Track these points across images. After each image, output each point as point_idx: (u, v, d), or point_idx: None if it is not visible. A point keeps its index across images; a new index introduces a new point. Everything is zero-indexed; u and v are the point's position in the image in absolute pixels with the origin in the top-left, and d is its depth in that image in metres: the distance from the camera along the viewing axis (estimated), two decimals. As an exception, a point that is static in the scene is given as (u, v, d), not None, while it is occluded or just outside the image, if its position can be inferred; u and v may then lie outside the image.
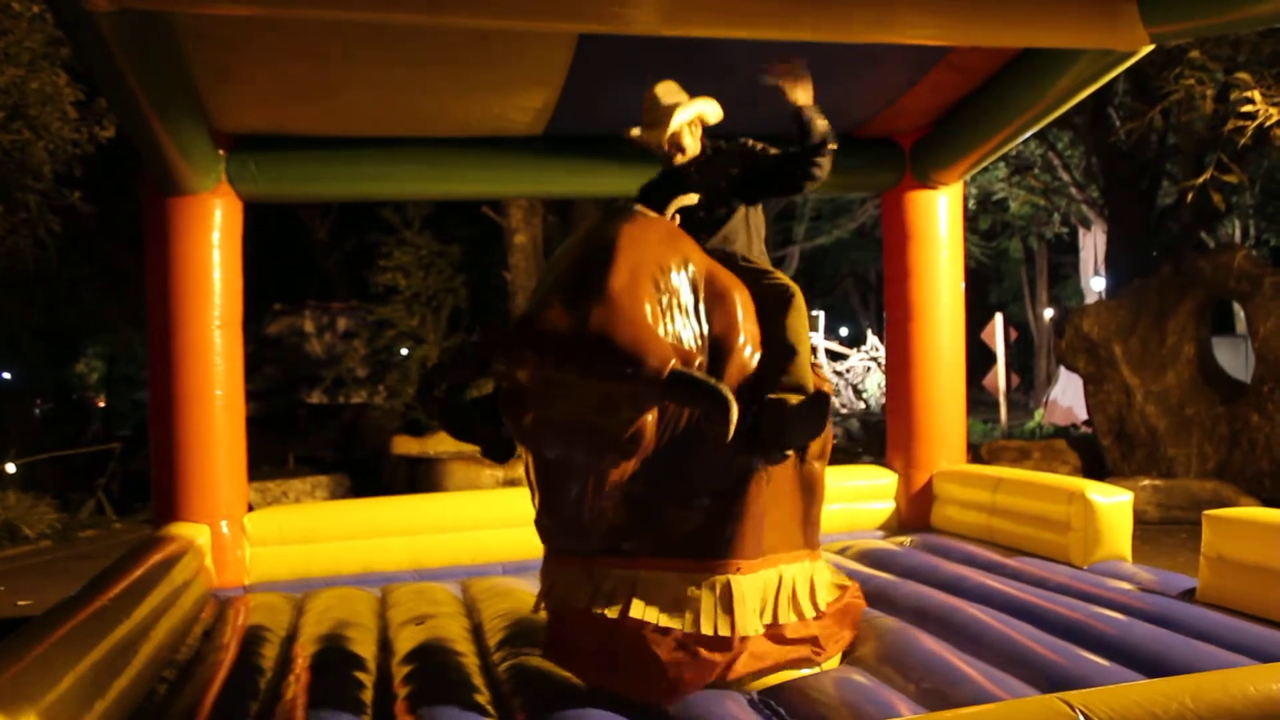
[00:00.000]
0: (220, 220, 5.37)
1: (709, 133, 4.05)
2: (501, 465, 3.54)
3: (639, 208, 3.49)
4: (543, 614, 3.69)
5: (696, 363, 3.02)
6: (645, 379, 2.84)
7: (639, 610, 3.29)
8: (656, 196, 3.91)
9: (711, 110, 3.98)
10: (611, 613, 3.30)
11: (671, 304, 3.20)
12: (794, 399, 3.36)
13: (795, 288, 3.66)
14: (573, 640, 3.47)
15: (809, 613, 3.60)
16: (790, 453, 3.47)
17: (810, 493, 3.77)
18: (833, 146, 3.81)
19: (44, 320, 19.02)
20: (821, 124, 3.78)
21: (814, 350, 3.72)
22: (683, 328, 3.23)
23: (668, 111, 3.88)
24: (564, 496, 2.98)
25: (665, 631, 3.29)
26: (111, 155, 10.30)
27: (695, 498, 3.34)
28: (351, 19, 4.19)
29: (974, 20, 4.30)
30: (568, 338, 2.90)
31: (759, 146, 3.98)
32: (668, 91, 3.94)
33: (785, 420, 3.30)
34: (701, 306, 3.33)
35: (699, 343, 3.29)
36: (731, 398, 2.87)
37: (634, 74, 5.05)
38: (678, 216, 3.71)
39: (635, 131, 4.00)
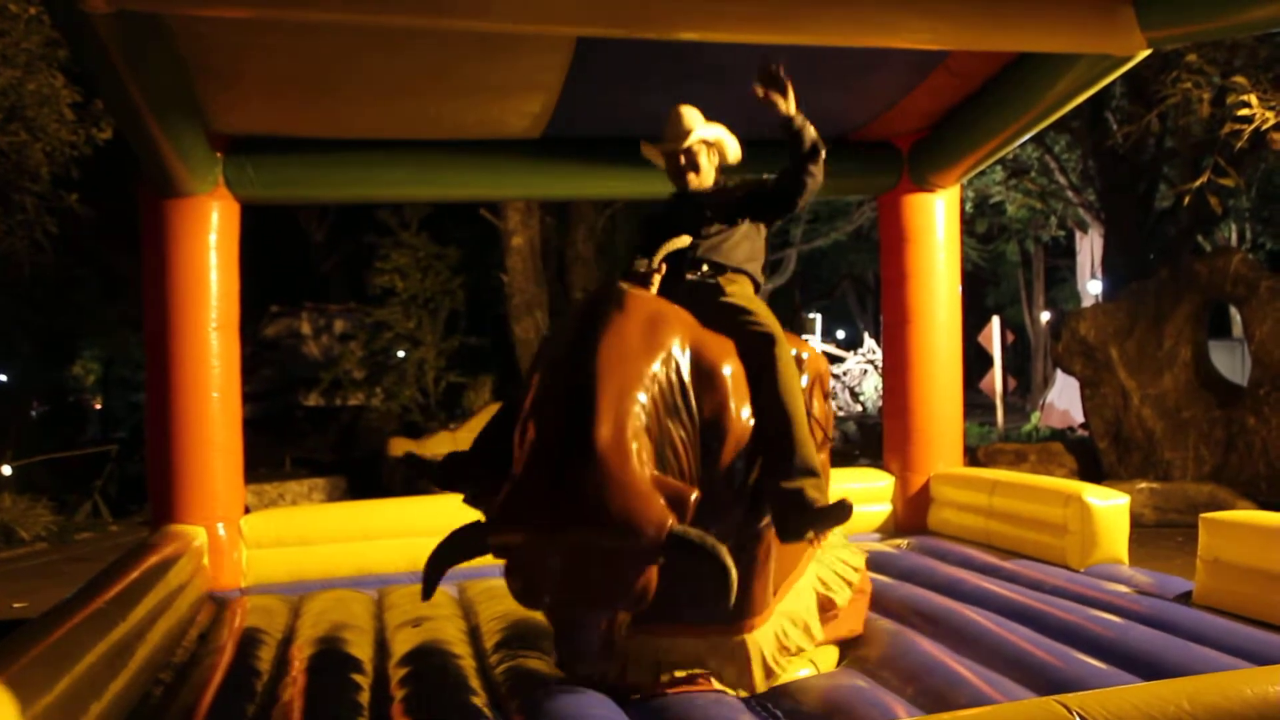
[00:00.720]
0: (217, 222, 5.37)
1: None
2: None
3: (622, 286, 3.42)
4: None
5: (692, 498, 2.94)
6: (644, 548, 2.82)
7: (666, 675, 3.40)
8: (660, 229, 3.90)
9: (732, 145, 3.99)
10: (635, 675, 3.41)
11: (658, 414, 3.16)
12: (810, 487, 3.33)
13: (777, 332, 3.57)
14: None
15: (818, 634, 3.72)
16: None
17: None
18: (822, 152, 3.80)
19: (41, 322, 19.01)
20: (811, 131, 3.77)
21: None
22: (672, 443, 3.20)
23: (690, 124, 3.90)
24: (578, 639, 2.95)
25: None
26: (109, 157, 10.28)
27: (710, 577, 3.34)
28: (349, 22, 4.19)
29: (972, 25, 4.31)
30: (559, 514, 2.84)
31: (760, 181, 3.97)
32: (691, 111, 3.95)
33: (809, 517, 3.30)
34: (690, 393, 3.30)
35: (691, 437, 3.26)
36: (730, 563, 2.82)
37: (631, 78, 5.08)
38: (664, 266, 3.65)
39: (653, 152, 4.01)
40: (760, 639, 3.48)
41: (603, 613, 2.93)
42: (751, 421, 3.41)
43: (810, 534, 3.41)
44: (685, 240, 3.78)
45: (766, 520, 3.43)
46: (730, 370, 3.43)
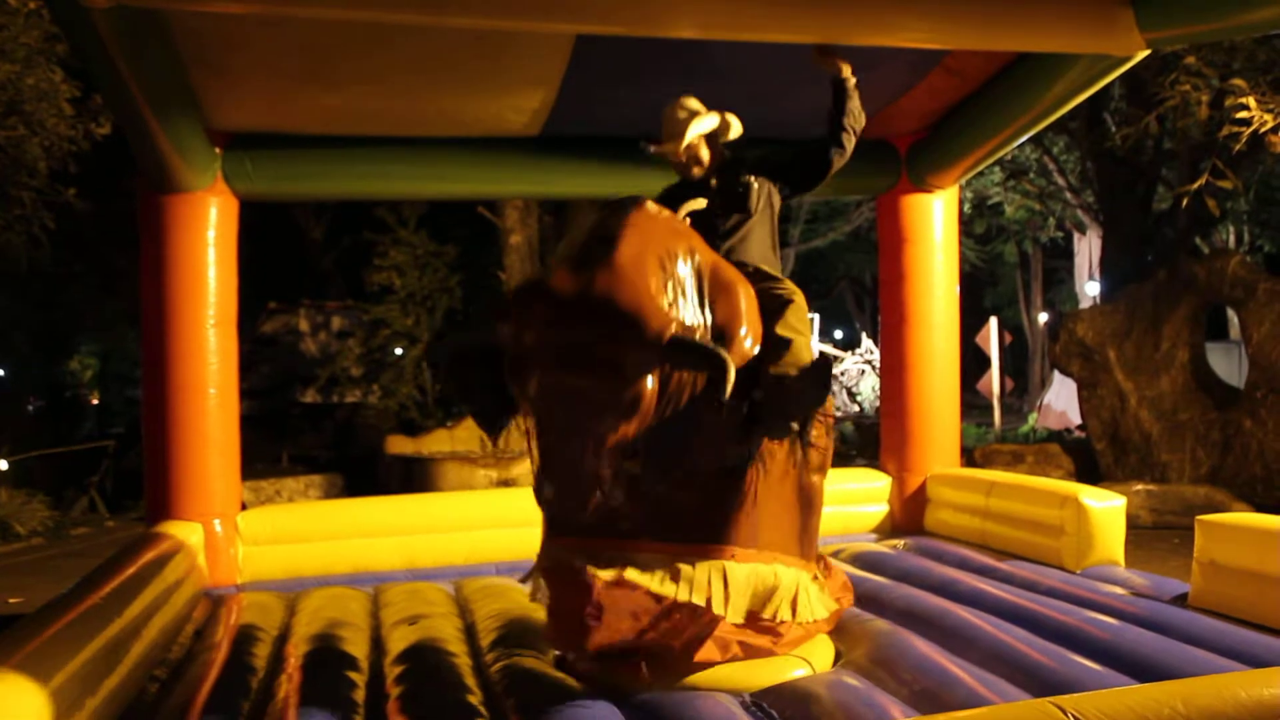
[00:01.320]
0: (215, 218, 5.36)
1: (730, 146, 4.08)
2: (490, 435, 3.57)
3: (648, 201, 3.51)
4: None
5: (698, 333, 3.09)
6: (646, 341, 2.93)
7: (633, 575, 3.31)
8: (670, 206, 3.93)
9: (732, 125, 4.03)
10: (606, 575, 3.30)
11: (675, 286, 3.24)
12: (790, 366, 3.40)
13: (798, 292, 3.71)
14: (556, 601, 3.46)
15: (785, 615, 3.61)
16: (794, 427, 3.48)
17: (808, 505, 3.78)
18: (863, 121, 3.95)
19: (38, 317, 19.00)
20: (858, 100, 3.96)
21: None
22: (685, 309, 3.26)
23: (684, 124, 3.92)
24: (564, 459, 3.01)
25: (652, 595, 3.32)
26: (107, 152, 10.27)
27: (692, 482, 3.37)
28: (348, 18, 4.18)
29: (970, 24, 4.31)
30: (573, 299, 2.99)
31: (771, 157, 4.03)
32: (686, 105, 3.98)
33: (787, 389, 3.34)
34: (706, 296, 3.36)
35: (701, 328, 3.32)
36: (729, 359, 2.97)
37: (630, 76, 5.07)
38: (688, 219, 3.73)
39: (653, 148, 4.03)
40: (737, 571, 3.44)
41: (593, 419, 2.97)
42: (757, 348, 3.44)
43: (793, 414, 3.42)
44: (701, 203, 3.85)
45: (758, 453, 3.45)
46: (745, 294, 3.49)
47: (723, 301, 3.37)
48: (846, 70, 3.98)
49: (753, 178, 3.96)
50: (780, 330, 3.54)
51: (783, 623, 3.60)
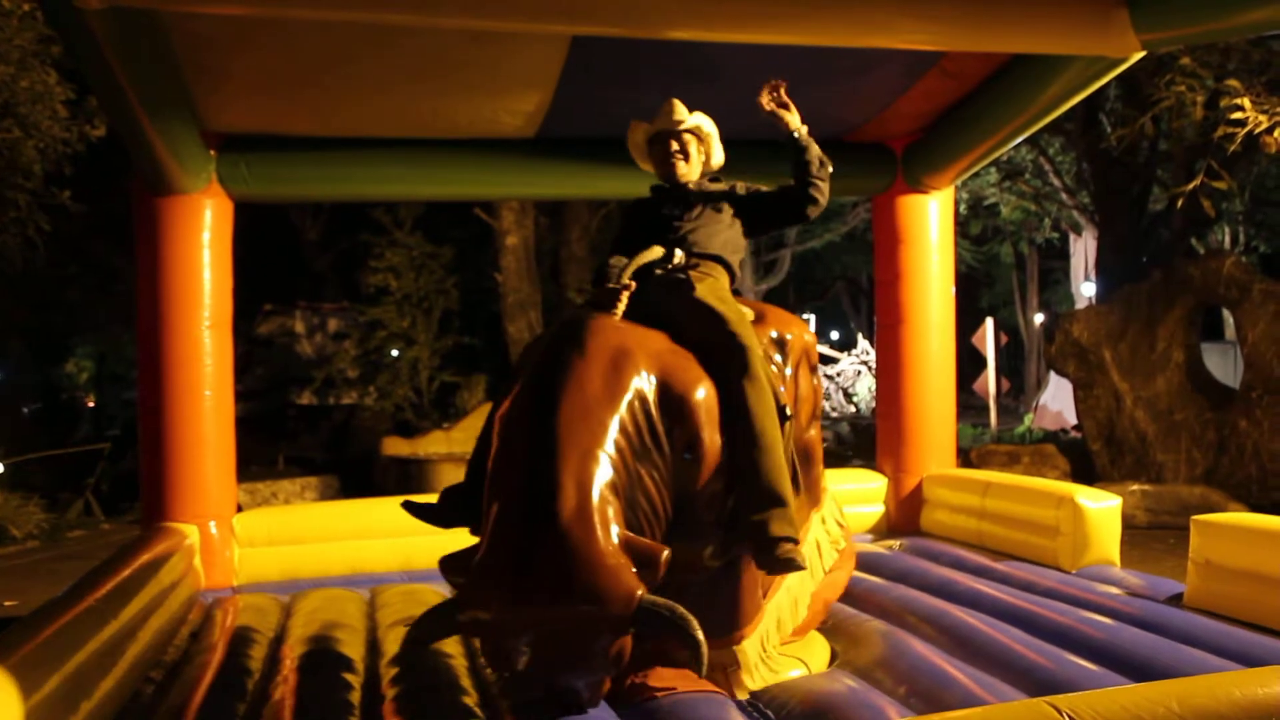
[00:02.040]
0: (210, 220, 5.36)
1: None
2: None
3: (583, 320, 3.37)
4: None
5: (663, 556, 2.91)
6: (614, 621, 2.78)
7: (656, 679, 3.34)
8: (642, 221, 3.92)
9: (718, 148, 4.00)
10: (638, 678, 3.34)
11: (626, 464, 3.10)
12: (775, 519, 3.28)
13: (749, 340, 3.50)
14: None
15: (803, 614, 3.68)
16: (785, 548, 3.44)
17: (808, 460, 3.81)
18: (829, 168, 3.82)
19: (33, 319, 18.96)
20: (816, 148, 3.80)
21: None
22: (644, 488, 3.16)
23: (685, 113, 3.89)
24: (565, 698, 2.97)
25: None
26: (102, 154, 10.27)
27: (692, 582, 3.31)
28: (343, 19, 4.18)
29: (966, 26, 4.31)
30: (525, 591, 2.81)
31: (753, 188, 3.99)
32: (684, 107, 3.94)
33: (771, 559, 3.26)
34: (659, 429, 3.24)
35: (664, 475, 3.22)
36: (700, 635, 2.79)
37: (626, 77, 5.08)
38: (632, 284, 3.54)
39: (641, 130, 3.98)
40: (749, 647, 3.49)
41: (582, 681, 2.92)
42: (721, 449, 3.36)
43: (775, 573, 3.39)
44: (658, 252, 3.73)
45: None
46: (701, 395, 3.34)
47: (680, 422, 3.26)
48: (796, 122, 3.83)
49: (730, 200, 3.93)
50: (745, 417, 3.38)
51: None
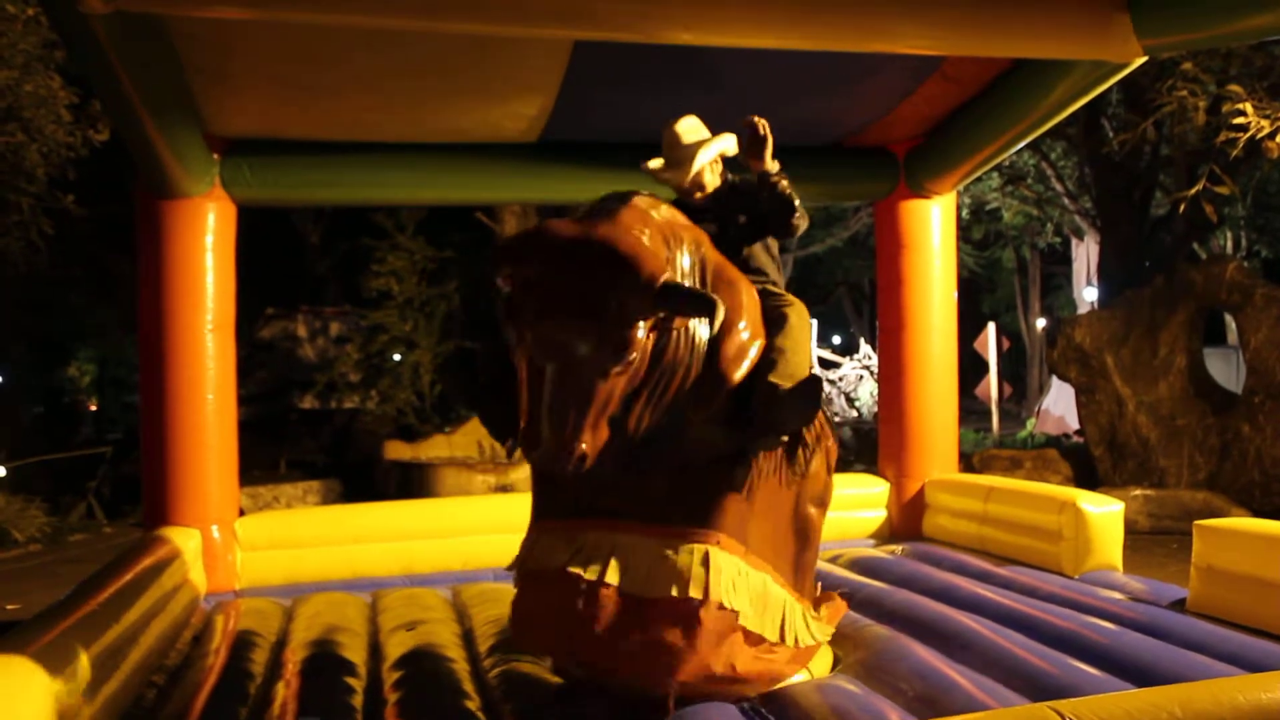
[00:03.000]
0: (213, 224, 5.36)
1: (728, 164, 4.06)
2: (501, 441, 3.56)
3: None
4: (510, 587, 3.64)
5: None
6: (640, 285, 2.96)
7: (614, 574, 3.24)
8: None
9: (732, 145, 3.97)
10: (589, 574, 3.25)
11: (677, 263, 3.26)
12: (790, 392, 3.34)
13: (801, 306, 3.71)
14: (542, 605, 3.41)
15: (773, 636, 3.44)
16: (783, 438, 3.43)
17: (804, 537, 3.70)
18: (797, 210, 3.80)
19: (36, 323, 18.98)
20: (786, 188, 3.79)
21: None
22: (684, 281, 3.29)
23: (690, 152, 3.86)
24: (554, 404, 3.01)
25: (635, 598, 3.23)
26: (105, 158, 10.29)
27: (682, 468, 3.34)
28: (346, 24, 4.19)
29: (968, 30, 4.32)
30: (570, 244, 3.05)
31: (777, 182, 3.90)
32: (689, 130, 3.92)
33: (777, 401, 3.29)
34: (709, 286, 3.36)
35: (699, 333, 3.31)
36: (719, 300, 3.01)
37: (628, 82, 5.08)
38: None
39: (654, 164, 3.98)
40: (724, 561, 3.30)
41: (585, 359, 2.99)
42: (756, 344, 3.43)
43: (782, 427, 3.35)
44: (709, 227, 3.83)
45: (751, 452, 3.41)
46: (748, 291, 3.50)
47: (725, 293, 3.36)
48: (769, 162, 3.80)
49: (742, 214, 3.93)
50: (780, 341, 3.52)
51: (768, 641, 3.43)
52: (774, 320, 3.60)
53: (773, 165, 3.80)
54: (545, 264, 3.05)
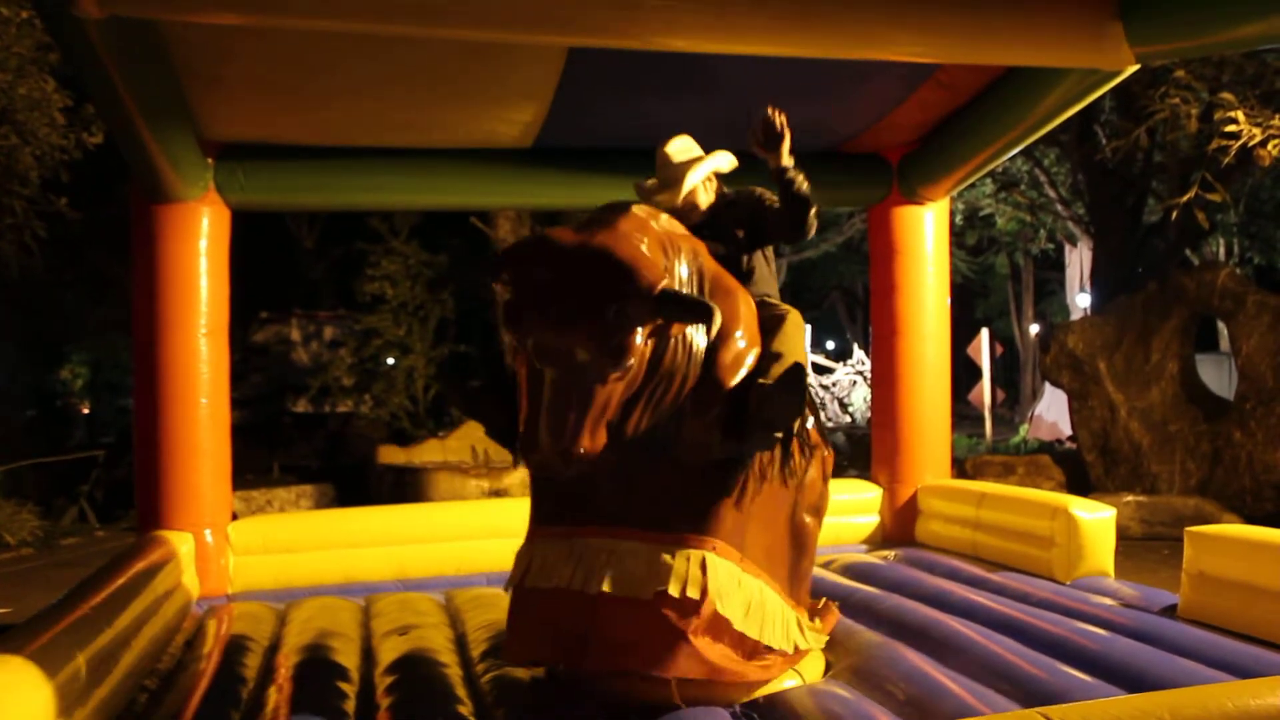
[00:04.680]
0: (207, 228, 5.36)
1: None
2: (507, 447, 3.56)
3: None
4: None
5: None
6: (639, 290, 2.99)
7: (611, 585, 3.25)
8: None
9: (725, 161, 3.97)
10: (589, 588, 3.27)
11: (675, 271, 3.28)
12: (785, 389, 3.34)
13: (796, 314, 3.73)
14: (540, 619, 3.41)
15: (769, 641, 3.43)
16: (778, 437, 3.41)
17: (799, 545, 3.72)
18: (813, 208, 3.79)
19: (29, 326, 18.93)
20: (803, 184, 3.76)
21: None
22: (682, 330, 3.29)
23: (680, 171, 3.87)
24: (553, 408, 3.02)
25: (634, 604, 3.24)
26: (99, 162, 10.27)
27: (679, 473, 3.35)
28: (341, 30, 4.19)
29: (962, 38, 4.33)
30: (569, 251, 3.08)
31: (767, 198, 3.95)
32: (680, 150, 3.93)
33: (765, 397, 3.30)
34: (706, 293, 3.39)
35: (696, 339, 3.33)
36: (716, 308, 3.05)
37: (623, 88, 5.09)
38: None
39: (649, 184, 3.98)
40: (717, 565, 3.30)
41: (584, 361, 3.00)
42: (754, 352, 3.45)
43: (773, 424, 3.33)
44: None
45: (747, 455, 3.41)
46: (745, 300, 3.52)
47: (722, 303, 3.37)
48: (786, 156, 3.76)
49: (738, 226, 3.93)
50: (775, 346, 3.53)
51: (761, 646, 3.42)
52: (769, 328, 3.61)
53: (788, 160, 3.77)
54: (546, 271, 3.08)
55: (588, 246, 3.08)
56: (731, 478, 3.39)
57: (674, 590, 3.22)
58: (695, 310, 3.06)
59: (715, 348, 3.35)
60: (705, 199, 3.95)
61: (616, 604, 3.25)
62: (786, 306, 3.79)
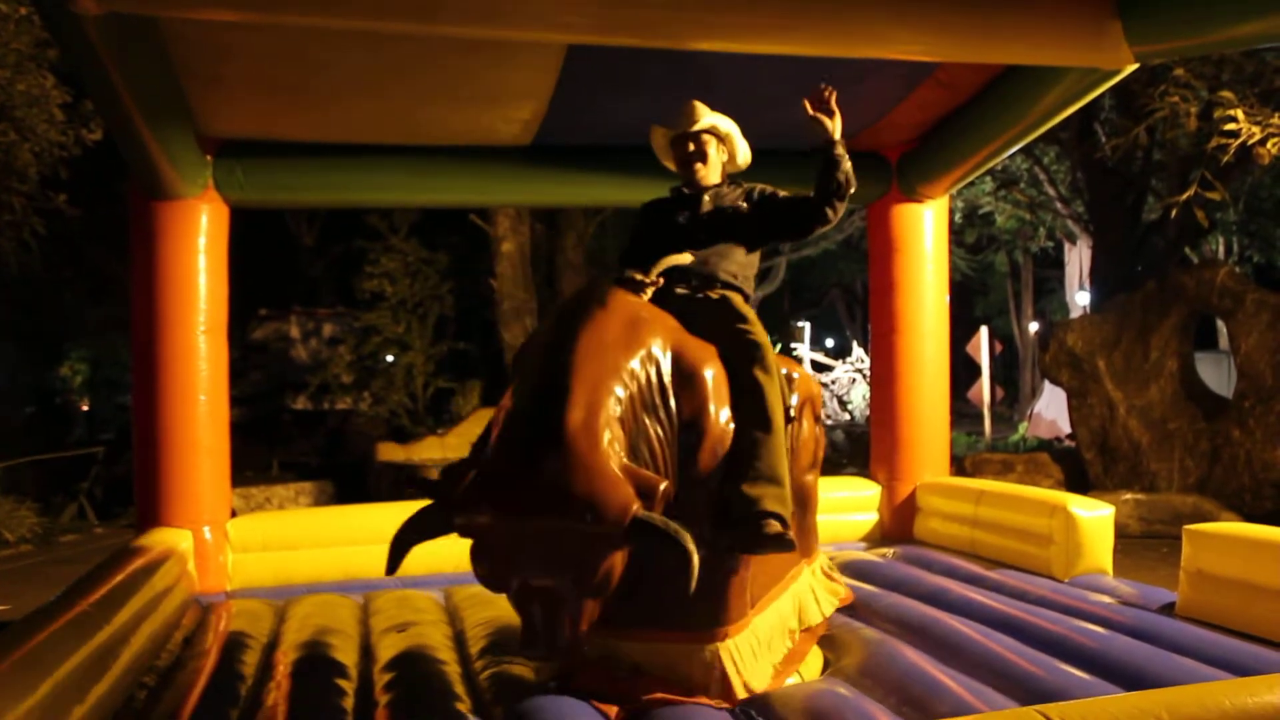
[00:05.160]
0: (206, 225, 5.36)
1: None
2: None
3: (608, 285, 3.47)
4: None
5: (662, 488, 2.91)
6: (607, 526, 2.80)
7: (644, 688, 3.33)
8: (660, 223, 3.92)
9: (742, 146, 3.98)
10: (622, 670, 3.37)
11: (635, 409, 3.16)
12: (769, 497, 3.30)
13: (765, 342, 3.60)
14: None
15: (780, 656, 3.62)
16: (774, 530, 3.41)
17: (803, 505, 3.78)
18: (852, 188, 3.77)
19: (28, 323, 18.93)
20: (847, 164, 3.73)
21: (800, 361, 3.66)
22: (647, 439, 3.20)
23: (703, 114, 3.88)
24: (544, 629, 2.92)
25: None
26: (98, 158, 10.26)
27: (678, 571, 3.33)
28: (340, 27, 4.19)
29: (961, 37, 4.33)
30: (525, 495, 2.83)
31: (768, 191, 3.95)
32: (705, 107, 3.93)
33: (759, 534, 3.26)
34: (670, 393, 3.31)
35: (668, 435, 3.27)
36: (693, 548, 2.80)
37: (622, 86, 5.09)
38: (660, 280, 3.67)
39: (661, 134, 3.98)
40: (735, 648, 3.42)
41: (566, 598, 2.90)
42: (731, 426, 3.41)
43: (757, 554, 3.36)
44: (686, 258, 3.77)
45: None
46: (712, 374, 3.43)
47: (688, 394, 3.33)
48: (837, 132, 3.73)
49: (745, 204, 3.90)
50: (751, 404, 3.44)
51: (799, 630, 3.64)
52: (745, 358, 3.51)
53: (838, 135, 3.73)
54: (501, 519, 2.86)
55: (542, 486, 2.81)
56: (728, 563, 3.38)
57: (704, 697, 3.34)
58: (670, 544, 2.80)
59: (694, 446, 3.32)
60: (715, 159, 3.92)
61: (654, 681, 3.36)
62: (754, 327, 3.65)
